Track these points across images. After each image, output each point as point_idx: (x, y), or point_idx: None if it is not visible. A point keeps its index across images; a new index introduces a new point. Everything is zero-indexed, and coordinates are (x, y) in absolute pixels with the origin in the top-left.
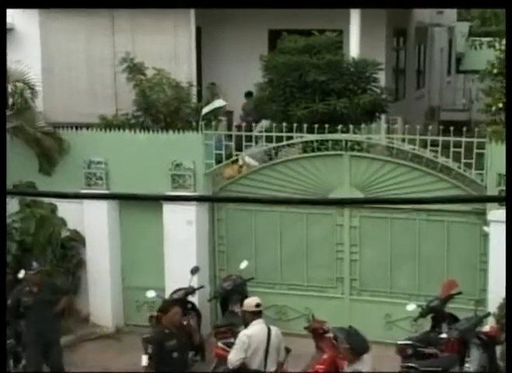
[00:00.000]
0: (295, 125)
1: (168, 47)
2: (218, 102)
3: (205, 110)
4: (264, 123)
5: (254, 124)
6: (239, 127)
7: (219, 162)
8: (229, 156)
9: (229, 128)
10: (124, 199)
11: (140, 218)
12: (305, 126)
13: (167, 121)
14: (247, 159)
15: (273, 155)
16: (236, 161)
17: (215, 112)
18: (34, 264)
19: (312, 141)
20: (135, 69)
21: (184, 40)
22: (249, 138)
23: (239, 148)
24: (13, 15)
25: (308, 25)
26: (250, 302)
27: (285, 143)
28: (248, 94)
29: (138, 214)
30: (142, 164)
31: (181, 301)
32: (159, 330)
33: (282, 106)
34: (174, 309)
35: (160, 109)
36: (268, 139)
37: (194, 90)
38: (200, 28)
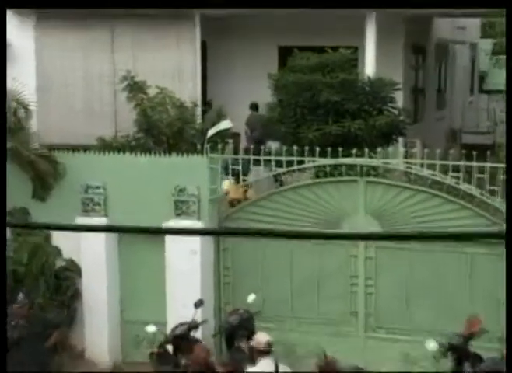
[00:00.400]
0: (306, 148)
1: (171, 63)
2: (224, 124)
3: (211, 132)
4: (273, 145)
5: (253, 139)
6: (246, 151)
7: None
8: (236, 181)
9: (236, 152)
10: (122, 232)
11: (140, 247)
12: (317, 149)
13: (170, 143)
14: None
15: (283, 181)
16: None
17: (222, 134)
18: (21, 296)
19: (325, 166)
20: (135, 88)
21: (189, 56)
22: (257, 162)
23: (246, 172)
24: (8, 30)
25: (321, 41)
26: (261, 339)
27: (295, 167)
28: (253, 106)
29: (138, 243)
30: (142, 189)
31: (184, 336)
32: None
33: (292, 128)
34: (199, 347)
35: (163, 131)
36: (278, 163)
37: (198, 110)
38: (205, 43)
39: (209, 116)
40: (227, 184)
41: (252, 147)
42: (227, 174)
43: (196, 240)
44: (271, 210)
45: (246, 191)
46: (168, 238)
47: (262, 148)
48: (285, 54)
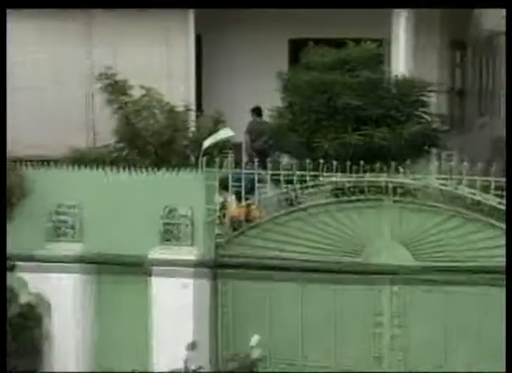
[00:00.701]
0: (321, 162)
1: (160, 60)
2: (223, 133)
3: (207, 142)
4: (283, 158)
5: (255, 150)
6: (249, 164)
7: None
8: (238, 200)
9: (238, 165)
10: (99, 263)
11: (121, 279)
12: (334, 163)
13: (158, 155)
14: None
15: (294, 200)
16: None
17: (220, 144)
18: None
19: (343, 183)
20: (117, 88)
21: (181, 52)
22: (262, 178)
23: (250, 190)
24: None
25: (339, 33)
26: None
27: (309, 184)
28: (256, 111)
29: (118, 275)
30: (125, 210)
31: None
32: None
33: (305, 138)
34: None
35: (149, 140)
36: (287, 179)
37: (192, 116)
38: (200, 36)
39: (205, 122)
40: (227, 200)
41: (256, 160)
42: (227, 191)
43: (188, 271)
44: (280, 235)
45: (250, 211)
46: (155, 269)
47: (268, 160)
48: (297, 48)
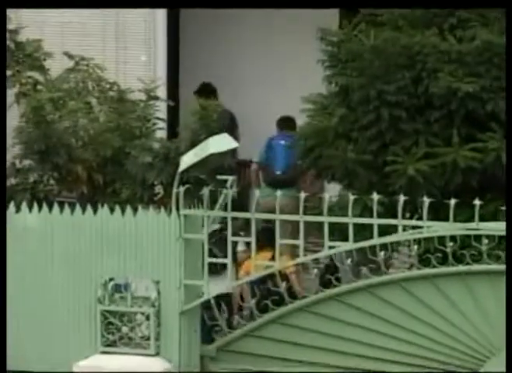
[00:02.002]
0: (402, 199)
1: (100, 11)
2: (219, 143)
3: (189, 160)
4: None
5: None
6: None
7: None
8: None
9: (244, 205)
10: None
11: None
12: (426, 200)
13: (95, 183)
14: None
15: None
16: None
17: (214, 164)
18: None
19: (443, 238)
20: (19, 56)
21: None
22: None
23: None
24: None
25: None
26: None
27: (375, 241)
28: (285, 123)
29: None
30: (35, 279)
31: None
32: None
33: (370, 152)
34: None
35: (79, 155)
36: (335, 230)
37: (160, 108)
38: None
39: (185, 121)
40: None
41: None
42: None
43: None
44: (328, 327)
45: (273, 257)
46: None
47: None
48: None
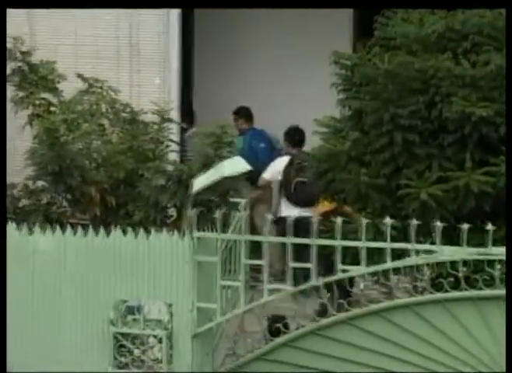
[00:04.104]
0: (413, 223)
1: (117, 32)
2: (232, 166)
3: (201, 182)
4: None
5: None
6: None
7: None
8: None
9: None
10: None
11: None
12: (439, 225)
13: (108, 206)
14: None
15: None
16: None
17: (226, 186)
18: None
19: (455, 263)
20: (34, 77)
21: (155, 24)
22: (304, 248)
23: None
24: None
25: None
26: None
27: (390, 265)
28: (293, 136)
29: None
30: (47, 301)
31: None
32: None
33: (383, 176)
34: None
35: (92, 178)
36: (348, 255)
37: (173, 130)
38: None
39: (198, 143)
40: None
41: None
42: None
43: None
44: (340, 350)
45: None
46: None
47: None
48: (368, 14)
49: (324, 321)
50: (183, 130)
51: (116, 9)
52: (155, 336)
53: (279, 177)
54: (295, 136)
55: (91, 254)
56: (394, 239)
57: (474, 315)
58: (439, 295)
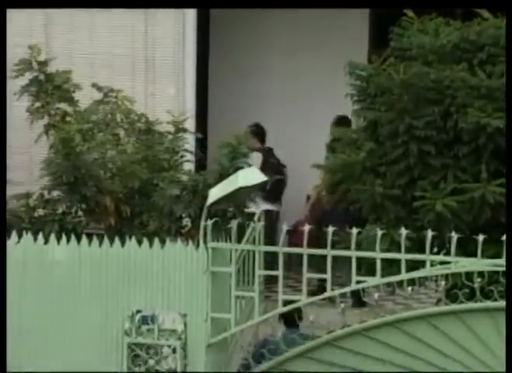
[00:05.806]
0: (429, 235)
1: (133, 41)
2: (247, 176)
3: (217, 193)
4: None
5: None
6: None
7: None
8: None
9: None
10: None
11: None
12: (454, 236)
13: (122, 215)
14: None
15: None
16: None
17: (242, 197)
18: None
19: (470, 274)
20: (49, 88)
21: (169, 27)
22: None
23: None
24: None
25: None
26: None
27: (403, 276)
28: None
29: None
30: (62, 310)
31: None
32: None
33: (398, 187)
34: None
35: (107, 187)
36: (370, 269)
37: (189, 141)
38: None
39: (213, 154)
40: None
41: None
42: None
43: None
44: (355, 361)
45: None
46: None
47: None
48: (383, 25)
49: (340, 332)
50: (198, 141)
51: (132, 20)
52: (169, 346)
53: None
54: (263, 132)
55: (106, 264)
56: (408, 250)
57: (489, 326)
58: (454, 306)
